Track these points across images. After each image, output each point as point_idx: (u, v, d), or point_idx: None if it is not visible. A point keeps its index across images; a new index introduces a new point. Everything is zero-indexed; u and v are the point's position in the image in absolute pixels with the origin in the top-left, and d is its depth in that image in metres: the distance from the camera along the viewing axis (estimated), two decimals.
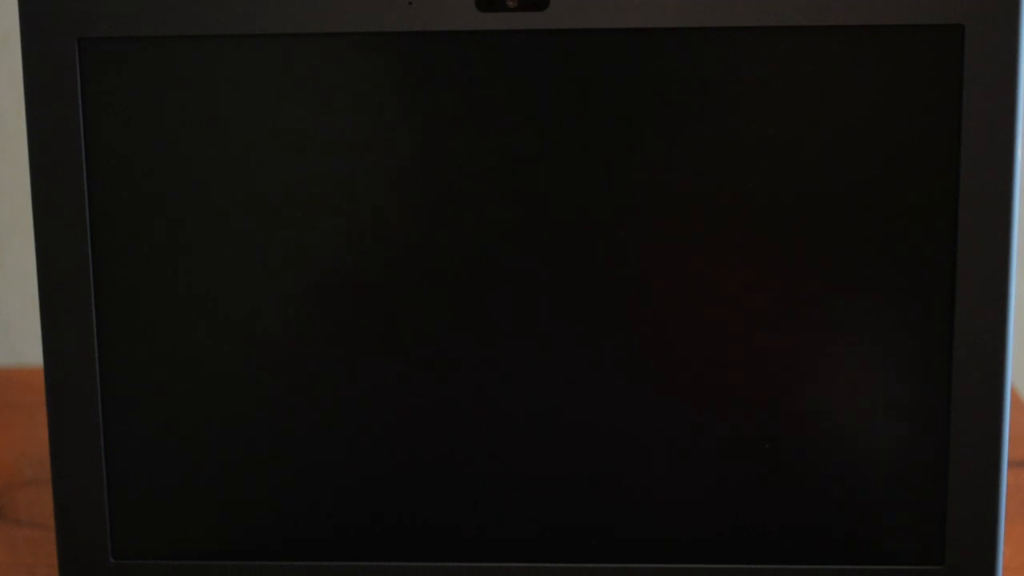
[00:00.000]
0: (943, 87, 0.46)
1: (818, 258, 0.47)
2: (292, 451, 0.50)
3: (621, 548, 0.50)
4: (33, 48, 0.47)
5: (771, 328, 0.48)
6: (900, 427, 0.48)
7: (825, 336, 0.48)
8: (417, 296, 0.48)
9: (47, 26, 0.47)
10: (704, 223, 0.47)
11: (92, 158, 0.48)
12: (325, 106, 0.47)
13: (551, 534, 0.50)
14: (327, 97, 0.47)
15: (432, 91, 0.47)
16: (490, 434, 0.49)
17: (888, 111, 0.46)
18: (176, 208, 0.48)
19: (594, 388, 0.49)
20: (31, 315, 0.90)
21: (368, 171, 0.48)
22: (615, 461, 0.49)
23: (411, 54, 0.47)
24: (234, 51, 0.47)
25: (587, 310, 0.48)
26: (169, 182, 0.48)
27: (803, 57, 0.46)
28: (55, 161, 0.48)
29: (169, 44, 0.47)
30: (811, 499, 0.49)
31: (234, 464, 0.50)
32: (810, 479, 0.49)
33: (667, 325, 0.48)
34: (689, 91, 0.47)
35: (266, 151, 0.48)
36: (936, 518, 0.49)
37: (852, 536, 0.49)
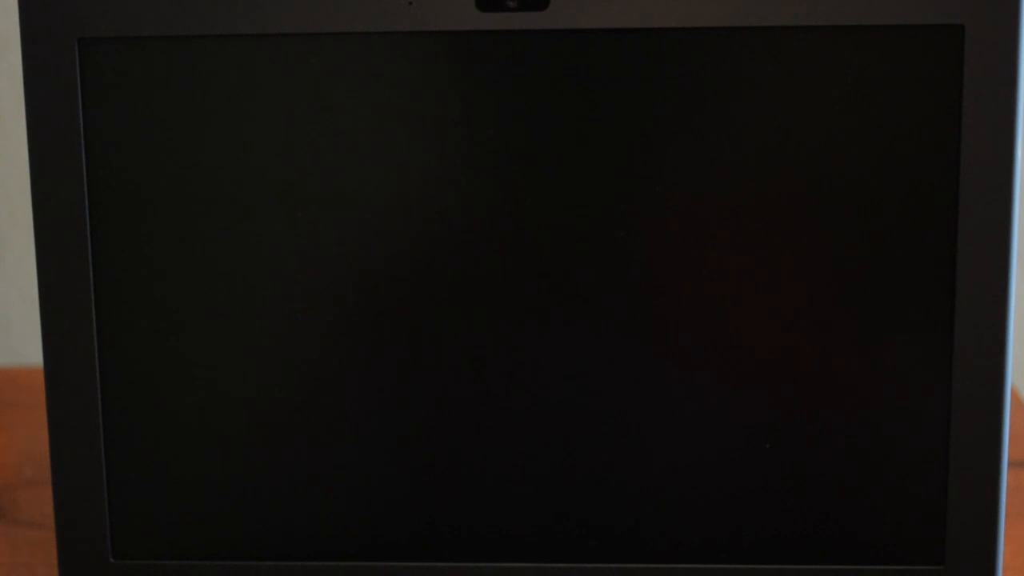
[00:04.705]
0: (943, 87, 0.46)
1: (818, 258, 0.47)
2: (292, 451, 0.50)
3: (621, 548, 0.50)
4: (33, 48, 0.47)
5: (771, 329, 0.48)
6: (900, 427, 0.48)
7: (825, 337, 0.48)
8: (414, 296, 0.48)
9: (47, 26, 0.47)
10: (703, 223, 0.47)
11: (92, 158, 0.48)
12: (325, 106, 0.47)
13: (551, 534, 0.50)
14: (327, 97, 0.47)
15: (432, 91, 0.47)
16: (489, 434, 0.49)
17: (888, 111, 0.46)
18: (176, 208, 0.48)
19: (594, 388, 0.49)
20: (31, 315, 0.90)
21: (368, 171, 0.48)
22: (615, 461, 0.49)
23: (411, 54, 0.47)
24: (234, 51, 0.47)
25: (586, 309, 0.48)
26: (169, 182, 0.48)
27: (803, 57, 0.46)
28: (55, 161, 0.48)
29: (169, 44, 0.47)
30: (811, 499, 0.49)
31: (234, 464, 0.50)
32: (810, 479, 0.49)
33: (665, 326, 0.48)
34: (689, 91, 0.47)
35: (266, 151, 0.48)
36: (936, 518, 0.49)
37: (852, 536, 0.49)
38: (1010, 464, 0.53)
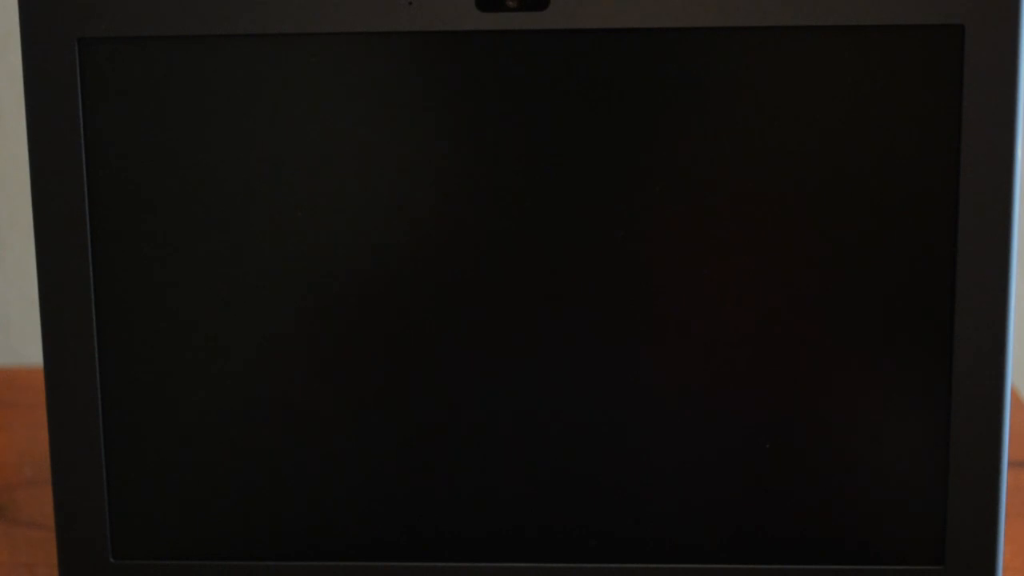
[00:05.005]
0: (943, 87, 0.46)
1: (818, 259, 0.47)
2: (292, 451, 0.50)
3: (621, 548, 0.50)
4: (33, 48, 0.47)
5: (771, 329, 0.48)
6: (900, 427, 0.48)
7: (825, 336, 0.48)
8: (417, 297, 0.48)
9: (47, 26, 0.47)
10: (703, 223, 0.47)
11: (92, 158, 0.48)
12: (325, 106, 0.47)
13: (551, 534, 0.50)
14: (327, 97, 0.47)
15: (432, 91, 0.47)
16: (489, 434, 0.49)
17: (888, 111, 0.46)
18: (176, 208, 0.48)
19: (594, 387, 0.49)
20: (31, 315, 0.90)
21: (368, 170, 0.48)
22: (615, 461, 0.49)
23: (411, 54, 0.47)
24: (234, 51, 0.47)
25: (586, 309, 0.48)
26: (169, 182, 0.48)
27: (803, 57, 0.46)
28: (55, 161, 0.48)
29: (169, 44, 0.47)
30: (811, 499, 0.49)
31: (234, 464, 0.50)
32: (810, 479, 0.49)
33: (666, 327, 0.48)
34: (689, 91, 0.47)
35: (266, 151, 0.48)
36: (936, 518, 0.49)
37: (852, 536, 0.49)
38: (1010, 464, 0.53)
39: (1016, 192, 0.47)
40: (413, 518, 0.50)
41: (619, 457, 0.49)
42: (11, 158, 0.89)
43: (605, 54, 0.47)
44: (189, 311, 0.49)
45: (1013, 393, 0.73)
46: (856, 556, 0.49)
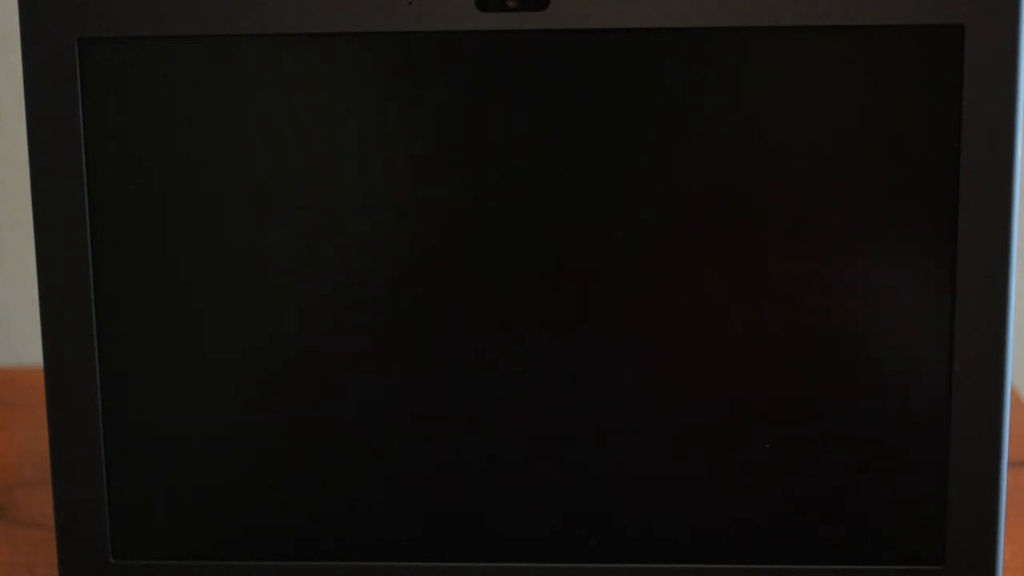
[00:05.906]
0: (943, 87, 0.46)
1: (818, 258, 0.47)
2: (292, 451, 0.50)
3: (621, 548, 0.50)
4: (33, 48, 0.47)
5: (772, 329, 0.48)
6: (901, 427, 0.48)
7: (826, 337, 0.48)
8: (418, 296, 0.48)
9: (47, 26, 0.47)
10: (703, 223, 0.47)
11: (92, 157, 0.48)
12: (325, 106, 0.47)
13: (551, 534, 0.50)
14: (327, 97, 0.47)
15: (432, 91, 0.47)
16: (490, 434, 0.49)
17: (888, 111, 0.46)
18: (176, 208, 0.48)
19: (594, 387, 0.49)
20: (31, 315, 0.90)
21: (368, 171, 0.48)
22: (615, 461, 0.49)
23: (411, 54, 0.47)
24: (234, 51, 0.47)
25: (585, 309, 0.48)
26: (169, 182, 0.48)
27: (803, 57, 0.46)
28: (55, 161, 0.48)
29: (169, 44, 0.47)
30: (811, 499, 0.49)
31: (234, 464, 0.50)
32: (811, 479, 0.49)
33: (667, 326, 0.48)
34: (689, 91, 0.47)
35: (266, 151, 0.48)
36: (936, 518, 0.49)
37: (852, 536, 0.49)
38: (1010, 464, 0.53)
39: (1016, 192, 0.47)
40: (413, 518, 0.50)
41: (619, 457, 0.49)
42: (11, 158, 0.89)
43: (605, 54, 0.47)
44: (189, 311, 0.49)
45: (1013, 393, 0.73)
46: (856, 556, 0.49)
